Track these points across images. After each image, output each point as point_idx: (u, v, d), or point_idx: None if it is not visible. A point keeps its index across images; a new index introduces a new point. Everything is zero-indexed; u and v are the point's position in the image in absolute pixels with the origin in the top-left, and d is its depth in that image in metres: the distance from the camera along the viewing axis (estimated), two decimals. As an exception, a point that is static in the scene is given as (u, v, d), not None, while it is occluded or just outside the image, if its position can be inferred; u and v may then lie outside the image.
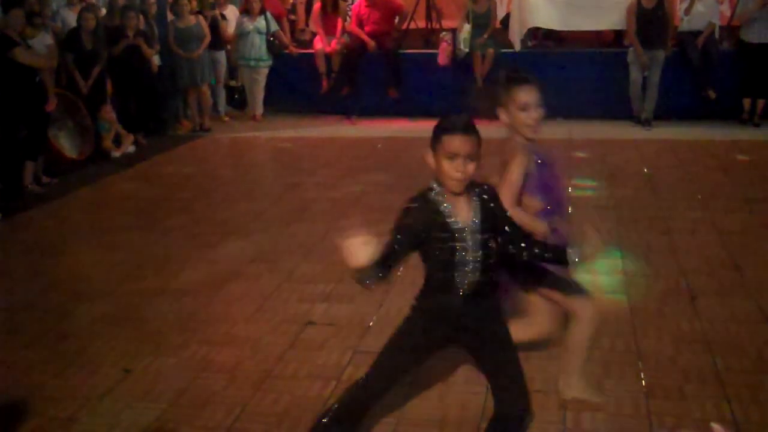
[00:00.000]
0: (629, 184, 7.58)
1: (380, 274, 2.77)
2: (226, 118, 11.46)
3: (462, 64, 10.79)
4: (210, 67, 10.91)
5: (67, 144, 9.00)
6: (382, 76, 11.15)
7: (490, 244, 2.93)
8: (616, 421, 3.60)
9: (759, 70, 9.86)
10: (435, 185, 2.95)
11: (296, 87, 11.50)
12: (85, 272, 5.79)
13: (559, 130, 9.78)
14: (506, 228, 3.01)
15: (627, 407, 3.70)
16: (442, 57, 10.83)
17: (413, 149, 9.20)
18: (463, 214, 2.91)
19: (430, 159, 2.93)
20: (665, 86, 10.11)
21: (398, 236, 2.88)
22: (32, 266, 5.93)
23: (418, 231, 2.89)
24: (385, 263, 2.78)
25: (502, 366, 3.00)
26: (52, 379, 4.14)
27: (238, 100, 11.69)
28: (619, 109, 10.39)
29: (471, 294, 2.92)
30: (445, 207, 2.91)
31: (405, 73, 11.18)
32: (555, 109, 11.09)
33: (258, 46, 11.16)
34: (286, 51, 11.59)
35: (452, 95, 10.93)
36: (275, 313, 4.84)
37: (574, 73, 10.50)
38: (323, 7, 11.41)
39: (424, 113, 10.91)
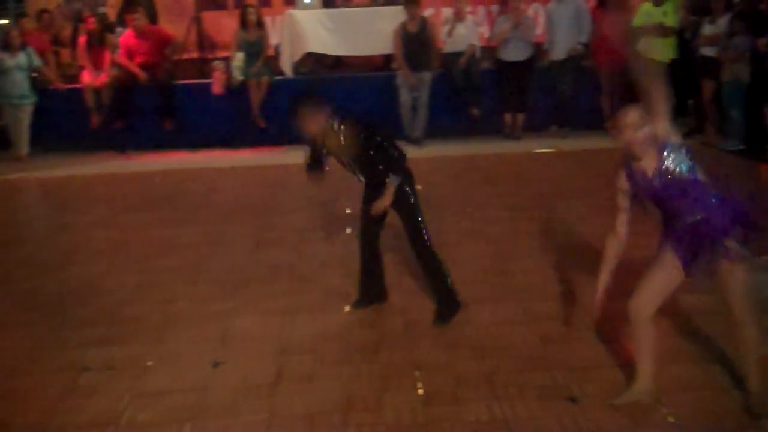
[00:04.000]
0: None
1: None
2: (-10, 161, 10.76)
3: (237, 93, 10.78)
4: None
5: None
6: (157, 107, 10.93)
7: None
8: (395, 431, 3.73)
9: (515, 87, 10.56)
10: None
11: (65, 123, 10.98)
12: None
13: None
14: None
15: (405, 417, 3.84)
16: (217, 86, 10.79)
17: (194, 181, 9.15)
18: None
19: None
20: (433, 106, 10.59)
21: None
22: None
23: None
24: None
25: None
26: None
27: (1, 140, 11.01)
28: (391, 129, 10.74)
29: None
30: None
31: (180, 103, 11.02)
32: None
33: (20, 82, 10.57)
34: (52, 86, 11.08)
35: (229, 124, 11.00)
36: (49, 362, 4.60)
37: (347, 97, 10.74)
38: (89, 40, 11.01)
39: (202, 144, 10.88)
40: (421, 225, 4.88)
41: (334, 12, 11.40)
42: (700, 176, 3.64)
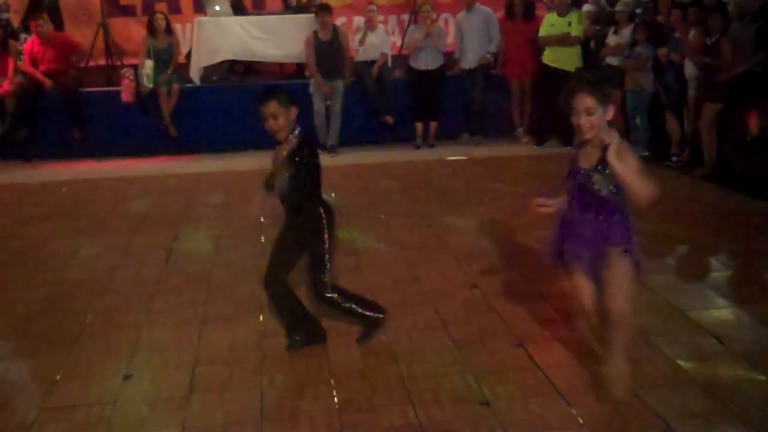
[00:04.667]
0: (318, 209, 7.83)
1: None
2: None
3: (147, 101, 10.60)
4: None
5: None
6: (63, 116, 10.66)
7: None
8: (310, 440, 3.73)
9: (428, 95, 10.67)
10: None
11: (-34, 132, 10.62)
12: None
13: (250, 162, 9.90)
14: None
15: (320, 426, 3.83)
16: (126, 94, 10.57)
17: (102, 191, 8.96)
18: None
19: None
20: (347, 114, 10.61)
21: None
22: None
23: None
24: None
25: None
26: None
27: None
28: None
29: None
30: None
31: (88, 111, 10.77)
32: (244, 140, 11.28)
33: None
34: (-47, 94, 10.72)
35: (138, 132, 10.80)
36: (-51, 380, 4.44)
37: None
38: (-9, 47, 10.69)
39: (110, 153, 10.66)
40: (326, 272, 4.47)
41: (246, 19, 11.32)
42: (616, 202, 3.76)
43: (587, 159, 3.80)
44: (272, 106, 4.30)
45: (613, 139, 3.67)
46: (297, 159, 4.30)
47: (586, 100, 3.64)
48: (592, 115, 3.65)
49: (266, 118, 4.32)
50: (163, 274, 6.10)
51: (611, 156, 3.61)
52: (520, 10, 10.79)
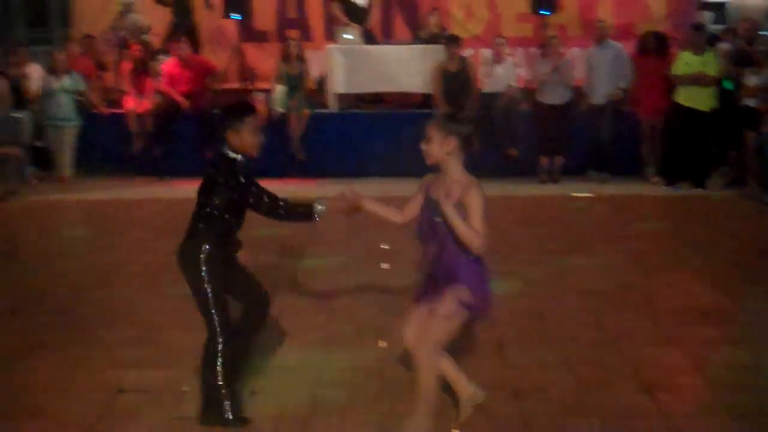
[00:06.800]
0: (440, 239, 7.84)
1: None
2: (34, 181, 10.88)
3: (277, 125, 10.87)
4: (13, 128, 10.42)
5: None
6: (198, 135, 11.06)
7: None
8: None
9: (554, 130, 10.55)
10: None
11: (107, 147, 11.16)
12: None
13: (375, 188, 9.99)
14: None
15: (440, 457, 3.80)
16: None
17: (229, 209, 9.21)
18: None
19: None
20: (471, 145, 10.59)
21: None
22: None
23: None
24: None
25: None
26: None
27: (44, 161, 11.19)
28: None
29: None
30: None
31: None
32: (370, 167, 11.40)
33: (65, 105, 10.83)
34: (96, 110, 11.28)
35: (268, 155, 11.04)
36: (84, 383, 4.63)
37: (387, 132, 10.82)
38: (133, 67, 11.22)
39: (239, 173, 10.95)
40: (213, 319, 4.13)
41: (376, 48, 11.53)
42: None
43: (437, 188, 3.88)
44: (235, 127, 4.25)
45: (456, 175, 3.83)
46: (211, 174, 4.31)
47: (428, 129, 3.82)
48: (429, 143, 3.80)
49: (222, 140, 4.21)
50: (289, 294, 6.21)
51: (445, 206, 3.73)
52: (653, 46, 10.58)
